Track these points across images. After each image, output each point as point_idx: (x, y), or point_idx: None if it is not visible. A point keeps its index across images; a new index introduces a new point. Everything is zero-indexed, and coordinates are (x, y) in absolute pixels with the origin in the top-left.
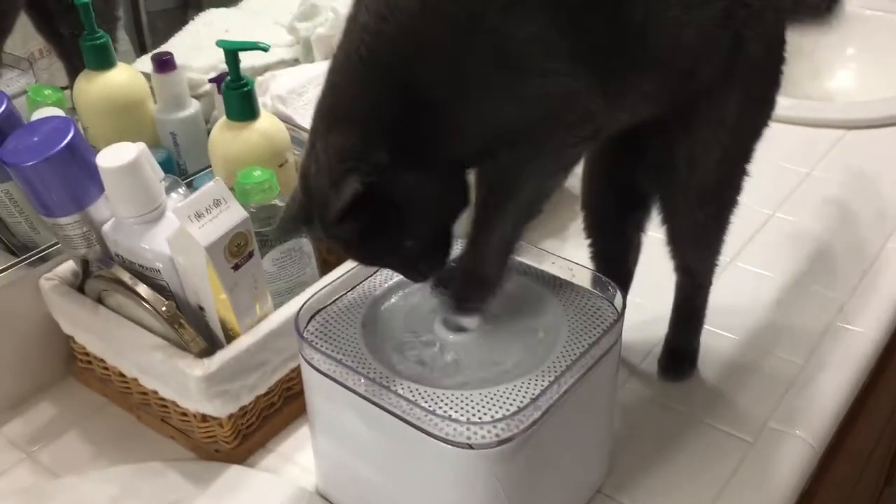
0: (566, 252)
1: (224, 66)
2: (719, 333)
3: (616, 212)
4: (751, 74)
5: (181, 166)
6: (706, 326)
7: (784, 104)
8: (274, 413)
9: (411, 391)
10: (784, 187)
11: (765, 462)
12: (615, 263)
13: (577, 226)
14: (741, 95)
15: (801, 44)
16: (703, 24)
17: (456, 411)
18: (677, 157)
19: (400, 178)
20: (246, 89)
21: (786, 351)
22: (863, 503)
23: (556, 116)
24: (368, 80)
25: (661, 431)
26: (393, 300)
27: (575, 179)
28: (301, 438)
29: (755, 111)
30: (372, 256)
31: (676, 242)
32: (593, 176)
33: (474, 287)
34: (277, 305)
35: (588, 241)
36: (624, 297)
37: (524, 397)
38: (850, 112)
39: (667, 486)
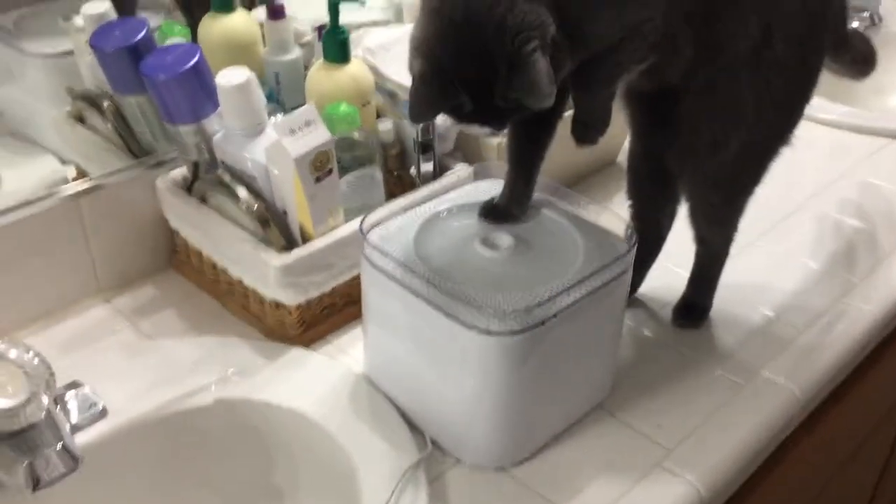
0: (622, 211)
1: (325, 20)
2: (735, 299)
3: (653, 181)
4: (774, 71)
5: (280, 103)
6: (723, 293)
7: (839, 111)
8: (335, 312)
9: (447, 286)
10: (822, 181)
11: (751, 401)
12: (649, 226)
13: (622, 195)
14: (762, 89)
15: None
16: (745, 13)
17: (480, 303)
18: (702, 141)
19: (556, 55)
20: (342, 37)
21: (793, 318)
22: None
23: (641, 33)
24: None
25: (663, 366)
26: (443, 222)
27: (623, 155)
28: (355, 337)
29: (775, 112)
30: (500, 121)
31: (694, 217)
32: (636, 147)
33: (587, 130)
34: (347, 221)
35: (628, 203)
36: (648, 255)
37: (539, 300)
38: (891, 122)
39: (659, 410)
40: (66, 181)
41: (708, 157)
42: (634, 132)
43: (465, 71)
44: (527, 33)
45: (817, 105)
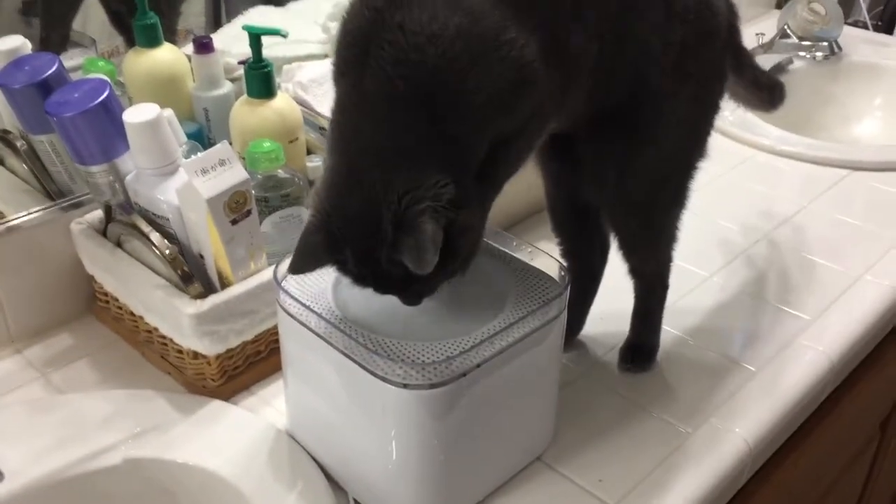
0: (556, 252)
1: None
2: (685, 339)
3: (574, 214)
4: (666, 95)
5: (210, 139)
6: (673, 331)
7: (800, 142)
8: (260, 361)
9: (363, 336)
10: (780, 215)
11: (698, 452)
12: (581, 261)
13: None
14: (657, 111)
15: (834, 92)
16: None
17: (397, 355)
18: (607, 167)
19: (460, 216)
20: (265, 70)
21: (745, 359)
22: None
23: (539, 118)
24: (415, 116)
25: (608, 413)
26: None
27: None
28: (281, 388)
29: (677, 129)
30: (395, 288)
31: (621, 248)
32: (550, 182)
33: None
34: (273, 264)
35: (557, 242)
36: (586, 293)
37: (459, 350)
38: (853, 154)
39: (602, 462)
40: None
41: (617, 184)
42: (543, 171)
43: (351, 228)
44: (417, 193)
45: (779, 137)
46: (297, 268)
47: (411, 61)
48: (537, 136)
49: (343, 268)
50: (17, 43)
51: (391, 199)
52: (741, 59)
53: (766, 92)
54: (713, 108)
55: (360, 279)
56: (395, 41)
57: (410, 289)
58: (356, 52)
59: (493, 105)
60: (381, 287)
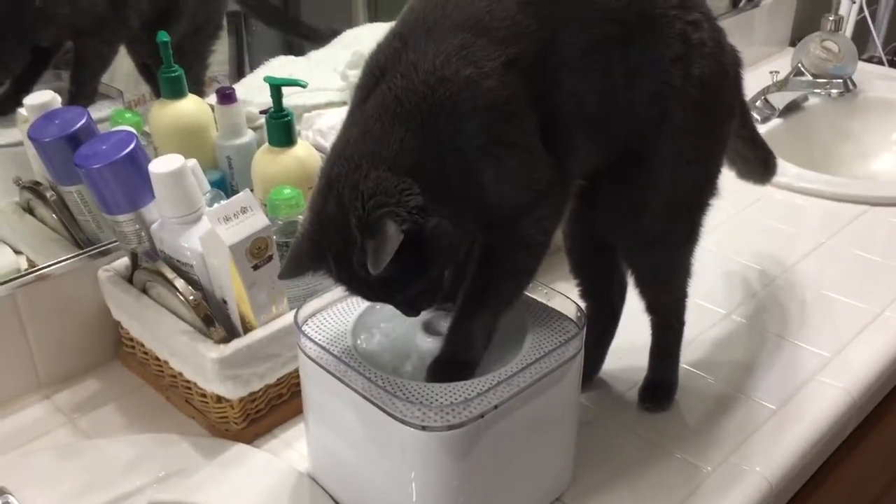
0: (574, 295)
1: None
2: (704, 377)
3: (592, 254)
4: (679, 136)
5: (233, 187)
6: (692, 369)
7: (819, 179)
8: (282, 404)
9: (381, 379)
10: (797, 253)
11: (719, 491)
12: (600, 300)
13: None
14: (671, 152)
15: (850, 128)
16: (637, 103)
17: (415, 397)
18: (624, 206)
19: (429, 223)
20: (286, 120)
21: (764, 397)
22: None
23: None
24: (406, 135)
25: (628, 453)
26: (386, 307)
27: None
28: (302, 430)
29: (688, 168)
30: (380, 294)
31: (639, 284)
32: (568, 221)
33: (458, 371)
34: (294, 308)
35: (576, 282)
36: (605, 332)
37: (477, 391)
38: (872, 189)
39: (622, 502)
40: (18, 272)
41: (634, 220)
42: None
43: (328, 234)
44: (380, 198)
45: (797, 174)
46: (285, 273)
47: (420, 92)
48: (561, 201)
49: (330, 275)
50: (48, 98)
51: (357, 204)
52: (744, 110)
53: (762, 151)
54: (724, 146)
55: (346, 286)
56: (407, 74)
57: (394, 296)
58: (370, 79)
59: (484, 151)
60: (366, 293)
